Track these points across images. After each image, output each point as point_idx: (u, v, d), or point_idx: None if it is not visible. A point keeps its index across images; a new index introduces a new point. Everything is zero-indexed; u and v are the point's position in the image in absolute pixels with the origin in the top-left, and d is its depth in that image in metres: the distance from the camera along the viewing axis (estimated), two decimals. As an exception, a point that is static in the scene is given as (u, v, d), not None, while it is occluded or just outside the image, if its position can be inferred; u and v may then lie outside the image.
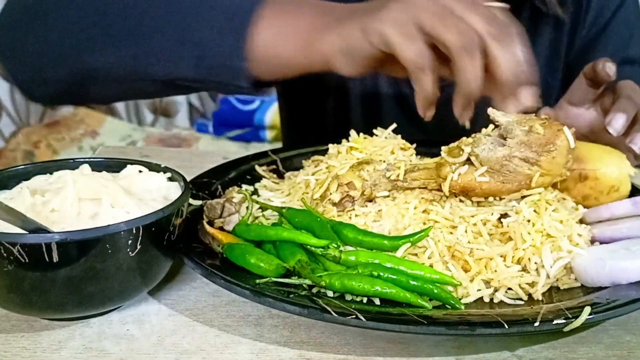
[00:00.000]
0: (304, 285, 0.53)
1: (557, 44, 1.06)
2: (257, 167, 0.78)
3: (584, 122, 0.80)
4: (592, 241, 0.60)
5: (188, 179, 0.60)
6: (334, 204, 0.63)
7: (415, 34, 0.63)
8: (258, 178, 0.77)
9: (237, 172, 0.77)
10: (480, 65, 0.62)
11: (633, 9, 1.06)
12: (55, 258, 0.46)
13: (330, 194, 0.63)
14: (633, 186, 0.67)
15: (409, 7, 0.64)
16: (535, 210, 0.59)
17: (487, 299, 0.54)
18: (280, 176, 0.78)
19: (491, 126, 0.62)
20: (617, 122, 0.72)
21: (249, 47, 0.72)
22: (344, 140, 0.73)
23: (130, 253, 0.49)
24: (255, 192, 0.74)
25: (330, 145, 0.74)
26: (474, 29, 0.63)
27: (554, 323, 0.47)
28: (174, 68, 0.74)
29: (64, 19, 0.77)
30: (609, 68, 0.75)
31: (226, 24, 0.72)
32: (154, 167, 0.61)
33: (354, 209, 0.62)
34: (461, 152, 0.61)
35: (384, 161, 0.65)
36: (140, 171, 0.60)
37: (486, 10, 0.65)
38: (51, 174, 0.59)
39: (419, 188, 0.64)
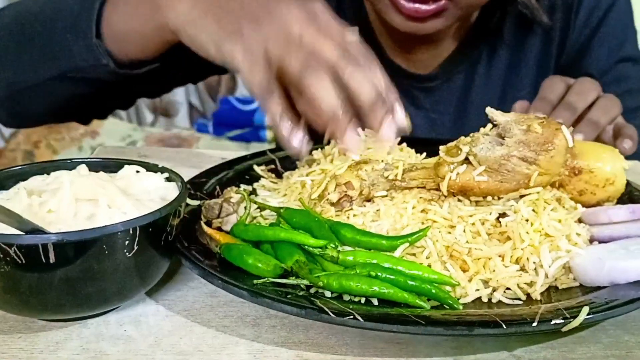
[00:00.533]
0: (301, 285, 0.53)
1: (546, 55, 1.07)
2: (255, 167, 0.78)
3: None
4: (591, 240, 0.60)
5: (186, 179, 0.60)
6: (332, 204, 0.62)
7: (261, 62, 0.64)
8: (256, 178, 0.77)
9: (235, 172, 0.77)
10: (327, 84, 0.62)
11: (625, 9, 1.06)
12: (52, 259, 0.46)
13: (328, 193, 0.63)
14: (627, 182, 0.68)
15: (260, 36, 0.65)
16: (533, 210, 0.59)
17: (485, 299, 0.54)
18: (279, 176, 0.77)
19: (489, 125, 0.62)
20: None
21: (101, 26, 0.79)
22: (332, 142, 0.72)
23: (127, 254, 0.49)
24: (253, 192, 0.73)
25: (314, 152, 0.73)
26: (323, 55, 0.63)
27: (552, 323, 0.47)
28: (55, 65, 0.82)
29: None
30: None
31: (80, 9, 0.80)
32: (151, 168, 0.61)
33: (352, 209, 0.62)
34: (459, 152, 0.61)
35: (382, 161, 0.65)
36: (137, 171, 0.60)
37: (339, 39, 0.65)
38: (48, 174, 0.58)
39: (417, 188, 0.63)
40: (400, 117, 0.67)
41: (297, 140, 0.65)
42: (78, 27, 0.80)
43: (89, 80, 0.84)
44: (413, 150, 0.74)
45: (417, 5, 0.85)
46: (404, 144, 0.75)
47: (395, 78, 0.70)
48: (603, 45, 1.05)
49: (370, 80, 0.64)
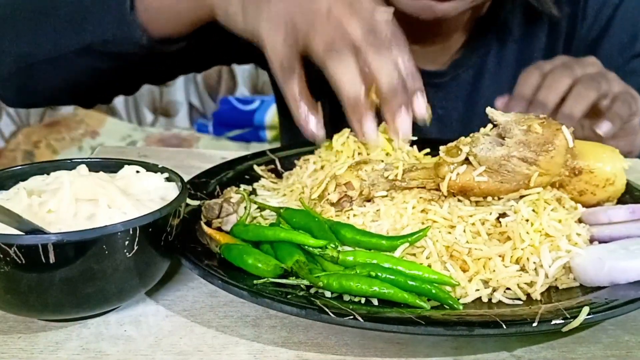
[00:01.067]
0: (301, 285, 0.53)
1: (553, 50, 1.06)
2: (255, 167, 0.78)
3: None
4: (591, 241, 0.60)
5: (186, 179, 0.60)
6: (332, 204, 0.62)
7: (286, 38, 0.63)
8: (256, 178, 0.77)
9: (235, 172, 0.77)
10: (351, 70, 0.61)
11: (635, 4, 1.05)
12: (52, 259, 0.46)
13: (329, 194, 0.63)
14: (627, 181, 0.68)
15: (288, 4, 0.64)
16: (533, 210, 0.59)
17: (485, 299, 0.54)
18: (279, 176, 0.77)
19: (489, 125, 0.62)
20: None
21: (137, 1, 0.78)
22: (335, 136, 0.72)
23: (127, 254, 0.49)
24: (253, 192, 0.73)
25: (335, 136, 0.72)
26: (348, 33, 0.62)
27: (552, 323, 0.47)
28: (79, 37, 0.81)
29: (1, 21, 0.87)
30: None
31: None
32: (151, 168, 0.61)
33: (352, 209, 0.62)
34: (459, 152, 0.61)
35: (382, 161, 0.65)
36: (137, 171, 0.60)
37: (367, 16, 0.64)
38: (48, 174, 0.58)
39: (418, 188, 0.63)
40: (421, 107, 0.66)
41: (313, 123, 0.64)
42: (114, 3, 0.78)
43: (112, 55, 0.83)
44: (415, 149, 0.74)
45: None
46: (408, 146, 0.73)
47: None
48: (613, 41, 1.03)
49: (391, 65, 0.63)
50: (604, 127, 0.80)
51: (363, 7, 0.65)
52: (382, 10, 0.65)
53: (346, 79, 0.61)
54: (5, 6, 0.88)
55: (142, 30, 0.78)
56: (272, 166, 0.79)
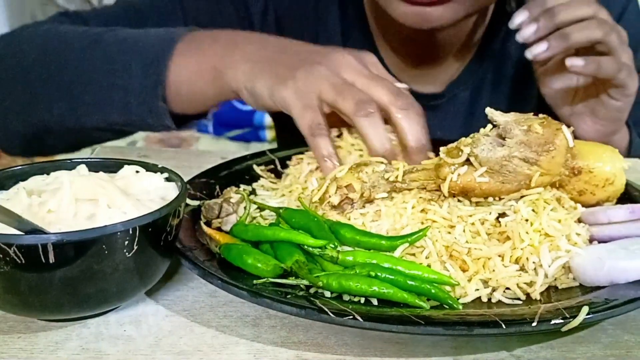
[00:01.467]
0: (301, 285, 0.53)
1: None
2: (254, 167, 0.78)
3: None
4: (591, 240, 0.60)
5: (186, 179, 0.60)
6: (333, 207, 0.62)
7: (313, 104, 0.68)
8: (256, 178, 0.77)
9: (235, 172, 0.77)
10: (380, 127, 0.66)
11: (634, 21, 1.04)
12: (52, 259, 0.46)
13: (330, 196, 0.63)
14: (627, 181, 0.68)
15: (314, 78, 0.69)
16: (533, 210, 0.59)
17: (485, 299, 0.54)
18: (279, 176, 0.77)
19: (489, 126, 0.62)
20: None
21: (166, 88, 0.80)
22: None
23: (127, 254, 0.49)
24: (253, 192, 0.73)
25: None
26: (377, 100, 0.67)
27: (551, 323, 0.47)
28: (104, 116, 0.82)
29: (11, 79, 0.86)
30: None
31: (145, 68, 0.80)
32: (151, 168, 0.61)
33: (352, 211, 0.62)
34: (460, 153, 0.61)
35: (383, 162, 0.65)
36: (137, 172, 0.60)
37: (390, 85, 0.70)
38: (48, 174, 0.58)
39: (418, 189, 0.63)
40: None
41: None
42: (142, 88, 0.80)
43: (129, 131, 0.87)
44: None
45: None
46: None
47: None
48: None
49: (417, 126, 0.68)
50: (574, 61, 0.82)
51: (384, 80, 0.71)
52: (399, 84, 0.71)
53: (375, 137, 0.66)
54: (20, 61, 0.87)
55: (169, 114, 0.81)
56: (272, 166, 0.79)
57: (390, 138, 0.67)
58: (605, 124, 0.91)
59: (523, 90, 1.05)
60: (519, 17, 0.83)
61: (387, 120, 0.68)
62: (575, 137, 0.63)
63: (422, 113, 0.69)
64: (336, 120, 0.70)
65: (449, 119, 1.07)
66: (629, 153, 0.97)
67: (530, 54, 0.82)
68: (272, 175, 0.77)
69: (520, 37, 0.82)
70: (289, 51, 0.76)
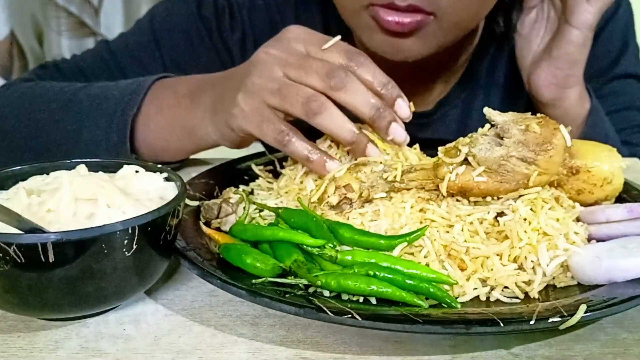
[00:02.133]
0: (300, 285, 0.53)
1: None
2: (253, 166, 0.78)
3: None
4: (589, 239, 0.60)
5: (185, 180, 0.60)
6: (332, 207, 0.63)
7: (265, 116, 0.68)
8: (255, 178, 0.77)
9: (234, 173, 0.77)
10: (337, 116, 0.66)
11: (620, 26, 1.05)
12: (52, 258, 0.46)
13: (328, 196, 0.63)
14: (625, 180, 0.68)
15: (252, 94, 0.68)
16: (531, 209, 0.59)
17: (483, 298, 0.54)
18: (277, 176, 0.77)
19: (487, 125, 0.62)
20: None
21: (137, 144, 0.83)
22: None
23: (126, 253, 0.49)
24: (252, 192, 0.73)
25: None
26: (314, 90, 0.66)
27: (550, 321, 0.47)
28: None
29: None
30: None
31: (110, 125, 0.82)
32: (150, 168, 0.61)
33: (351, 211, 0.62)
34: (458, 153, 0.61)
35: (381, 162, 0.65)
36: (136, 171, 0.60)
37: (318, 52, 0.68)
38: (47, 174, 0.59)
39: (417, 189, 0.64)
40: (404, 111, 0.69)
41: (333, 167, 0.67)
42: (110, 142, 0.82)
43: None
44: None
45: (397, 18, 0.80)
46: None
47: None
48: (595, 66, 1.01)
49: (361, 93, 0.66)
50: None
51: (312, 50, 0.69)
52: (329, 43, 0.69)
53: (336, 127, 0.66)
54: (1, 125, 0.90)
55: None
56: (271, 167, 0.80)
57: (351, 122, 0.66)
58: (561, 67, 0.89)
59: (515, 102, 1.04)
60: None
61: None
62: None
63: (364, 60, 0.68)
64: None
65: (439, 136, 1.06)
66: (593, 128, 0.94)
67: None
68: (270, 175, 0.77)
69: None
70: (228, 79, 0.76)
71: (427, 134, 1.06)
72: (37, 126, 0.87)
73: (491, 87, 1.05)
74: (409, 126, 0.66)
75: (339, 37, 0.70)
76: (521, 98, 1.02)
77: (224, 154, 0.93)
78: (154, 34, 1.03)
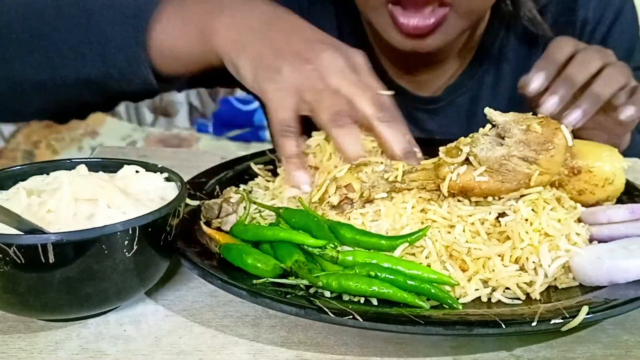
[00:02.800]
0: (301, 285, 0.53)
1: None
2: (252, 165, 0.78)
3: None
4: (590, 240, 0.60)
5: (186, 179, 0.60)
6: (333, 207, 0.62)
7: (290, 104, 0.67)
8: (256, 177, 0.76)
9: (235, 172, 0.77)
10: (354, 136, 0.66)
11: (630, 21, 1.04)
12: (52, 259, 0.46)
13: (329, 196, 0.63)
14: (627, 181, 0.68)
15: (298, 78, 0.68)
16: (533, 210, 0.59)
17: (484, 299, 0.53)
18: (277, 175, 0.77)
19: (488, 126, 0.62)
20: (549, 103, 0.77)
21: (148, 39, 0.76)
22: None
23: (127, 254, 0.49)
24: (252, 191, 0.73)
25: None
26: (359, 110, 0.67)
27: (551, 322, 0.47)
28: (81, 67, 0.78)
29: None
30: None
31: (126, 20, 0.77)
32: (150, 168, 0.61)
33: (352, 211, 0.62)
34: (459, 152, 0.61)
35: (382, 162, 0.65)
36: (137, 171, 0.60)
37: (374, 95, 0.69)
38: (47, 174, 0.58)
39: (418, 189, 0.63)
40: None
41: (303, 180, 0.67)
42: (124, 37, 0.77)
43: (109, 92, 0.81)
44: None
45: (416, 22, 0.82)
46: None
47: (398, 100, 0.71)
48: None
49: (402, 136, 0.67)
50: (627, 112, 0.80)
51: (369, 87, 0.69)
52: (384, 92, 0.70)
53: (350, 147, 0.66)
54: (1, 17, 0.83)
55: (151, 69, 0.78)
56: (271, 167, 0.79)
57: (363, 146, 0.67)
58: (612, 138, 0.89)
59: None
60: (535, 83, 0.79)
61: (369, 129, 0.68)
62: (575, 136, 0.62)
63: (404, 123, 0.69)
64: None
65: (448, 122, 1.06)
66: (629, 151, 0.96)
67: (569, 124, 0.74)
68: (269, 174, 0.77)
69: (544, 111, 0.78)
70: (278, 27, 0.74)
71: (436, 119, 1.06)
72: (38, 15, 0.80)
73: (502, 66, 1.04)
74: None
75: (391, 92, 0.71)
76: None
77: (224, 153, 0.93)
78: None
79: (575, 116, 0.77)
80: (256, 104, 2.70)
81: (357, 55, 0.72)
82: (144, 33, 0.76)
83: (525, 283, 0.54)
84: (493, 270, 0.55)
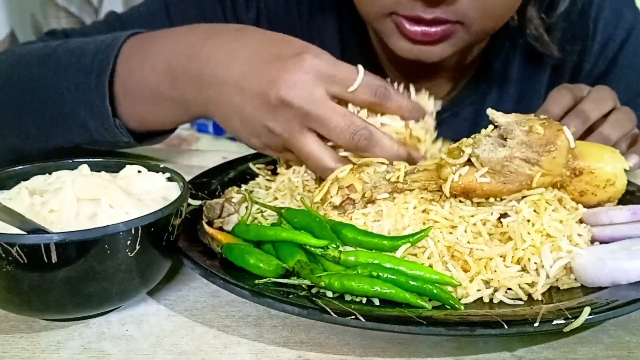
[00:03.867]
0: (303, 285, 0.53)
1: (556, 85, 1.04)
2: (251, 165, 0.78)
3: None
4: (592, 241, 0.60)
5: (187, 179, 0.60)
6: (335, 207, 0.62)
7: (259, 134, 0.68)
8: (256, 177, 0.76)
9: (236, 172, 0.77)
10: (384, 142, 0.66)
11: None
12: (54, 259, 0.46)
13: (331, 197, 0.63)
14: (628, 182, 0.68)
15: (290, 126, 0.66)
16: (535, 210, 0.59)
17: (486, 299, 0.54)
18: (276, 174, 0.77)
19: (490, 127, 0.62)
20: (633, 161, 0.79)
21: (120, 110, 0.77)
22: None
23: (129, 253, 0.49)
24: (253, 191, 0.73)
25: None
26: (359, 104, 0.67)
27: (553, 323, 0.47)
28: (69, 136, 0.80)
29: None
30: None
31: (88, 95, 0.77)
32: (153, 168, 0.61)
33: (354, 212, 0.62)
34: (462, 153, 0.61)
35: (384, 163, 0.65)
36: (139, 171, 0.60)
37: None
38: (50, 174, 0.58)
39: (420, 189, 0.63)
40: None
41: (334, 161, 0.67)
42: (92, 105, 0.77)
43: (102, 144, 0.82)
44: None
45: (423, 28, 0.81)
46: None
47: None
48: (620, 77, 1.01)
49: (387, 150, 0.66)
50: (632, 160, 0.81)
51: (345, 79, 0.66)
52: (355, 85, 0.66)
53: (388, 148, 0.67)
54: None
55: (128, 131, 0.79)
56: (272, 166, 0.79)
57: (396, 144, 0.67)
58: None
59: (529, 105, 1.03)
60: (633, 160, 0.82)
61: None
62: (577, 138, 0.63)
63: (395, 89, 0.69)
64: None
65: (451, 135, 1.06)
66: None
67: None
68: (269, 173, 0.77)
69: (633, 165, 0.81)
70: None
71: (440, 131, 1.05)
72: (21, 85, 0.82)
73: (506, 83, 1.04)
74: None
75: (361, 71, 0.67)
76: (537, 94, 1.02)
77: (225, 153, 0.93)
78: (166, 4, 1.00)
79: (635, 161, 0.80)
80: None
81: (314, 60, 0.66)
82: (108, 100, 0.76)
83: (527, 284, 0.54)
84: (495, 271, 0.55)
